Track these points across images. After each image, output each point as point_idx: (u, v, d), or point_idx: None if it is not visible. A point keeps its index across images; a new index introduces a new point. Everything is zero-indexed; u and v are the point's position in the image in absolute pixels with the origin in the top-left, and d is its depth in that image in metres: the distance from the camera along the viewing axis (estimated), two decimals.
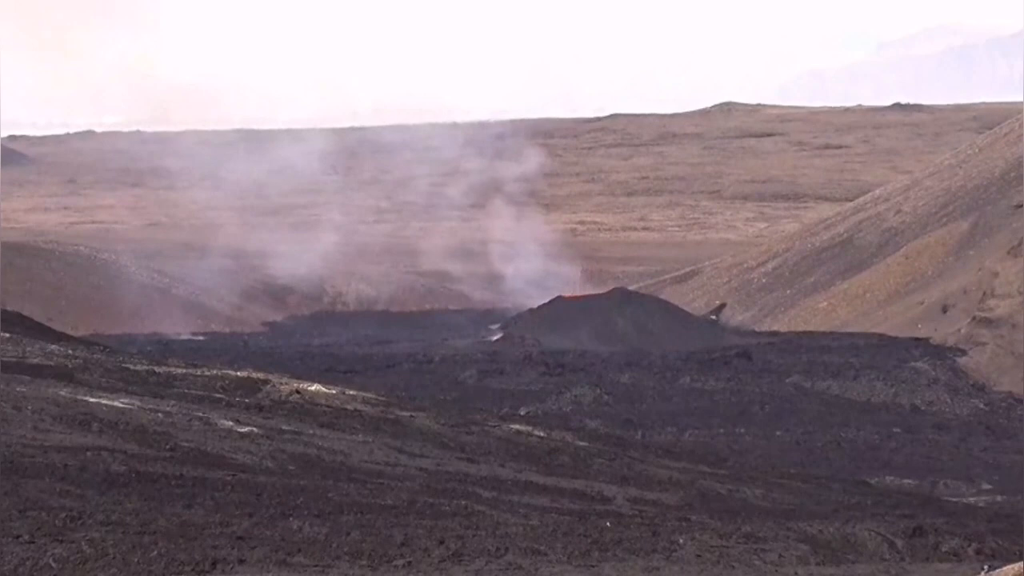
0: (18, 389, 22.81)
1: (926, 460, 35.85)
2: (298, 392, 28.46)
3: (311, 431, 23.98)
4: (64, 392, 23.51)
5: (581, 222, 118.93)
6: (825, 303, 62.81)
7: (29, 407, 21.24)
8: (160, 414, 22.81)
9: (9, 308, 44.08)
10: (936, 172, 77.72)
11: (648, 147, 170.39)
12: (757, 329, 62.51)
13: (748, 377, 46.99)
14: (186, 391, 27.09)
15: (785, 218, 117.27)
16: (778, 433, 38.67)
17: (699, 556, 16.10)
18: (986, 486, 32.77)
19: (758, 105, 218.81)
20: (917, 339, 53.24)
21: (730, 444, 37.11)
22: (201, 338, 61.13)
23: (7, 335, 32.34)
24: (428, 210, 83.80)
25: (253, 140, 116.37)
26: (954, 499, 29.73)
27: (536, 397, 42.95)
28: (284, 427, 23.88)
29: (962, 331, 52.05)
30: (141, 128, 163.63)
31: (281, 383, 29.31)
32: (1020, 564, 10.75)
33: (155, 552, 13.52)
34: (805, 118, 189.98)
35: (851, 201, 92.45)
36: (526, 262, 78.39)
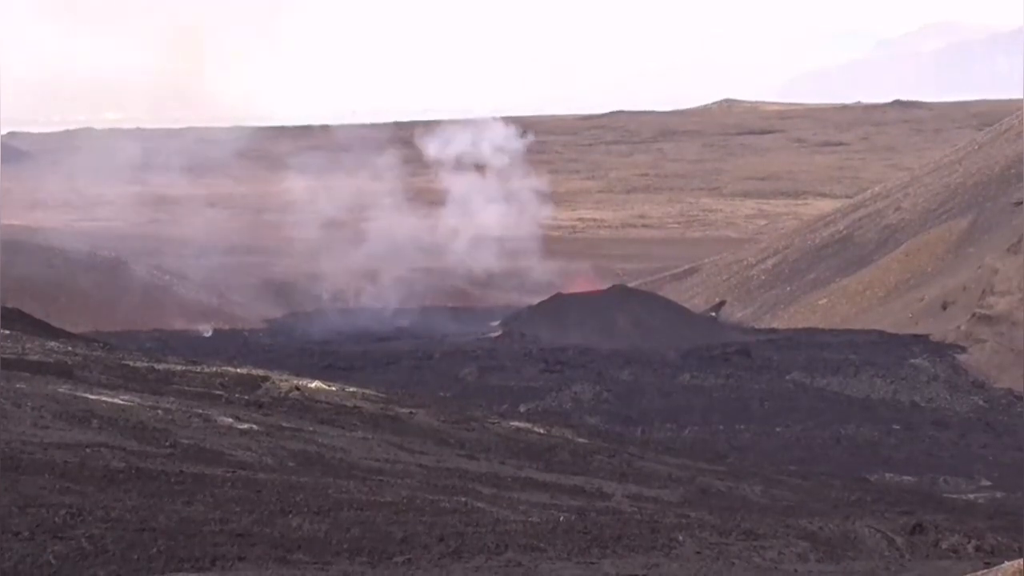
0: (18, 386, 22.79)
1: (926, 457, 35.87)
2: (298, 389, 28.47)
3: (311, 428, 23.97)
4: (64, 389, 23.49)
5: (581, 219, 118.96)
6: (825, 300, 62.79)
7: (29, 404, 21.23)
8: (160, 411, 22.79)
9: (9, 305, 44.07)
10: (936, 169, 77.72)
11: (648, 144, 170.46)
12: (757, 326, 62.51)
13: (748, 374, 47.00)
14: (186, 388, 27.08)
15: (785, 215, 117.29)
16: (778, 430, 38.68)
17: (698, 553, 16.10)
18: (986, 483, 32.80)
19: (758, 102, 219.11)
20: (917, 336, 53.27)
21: (729, 441, 37.13)
22: (207, 334, 61.12)
23: (7, 332, 32.34)
24: (427, 206, 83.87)
25: (251, 138, 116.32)
26: (954, 496, 29.75)
27: (536, 394, 42.95)
28: (284, 424, 23.87)
29: (962, 328, 52.07)
30: (141, 125, 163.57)
31: (281, 380, 29.32)
32: (1020, 561, 10.74)
33: (155, 549, 13.51)
34: (805, 115, 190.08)
35: (851, 198, 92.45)
36: (525, 258, 78.35)
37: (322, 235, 79.77)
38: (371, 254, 75.54)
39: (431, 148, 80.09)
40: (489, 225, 78.39)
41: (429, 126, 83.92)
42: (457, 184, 79.06)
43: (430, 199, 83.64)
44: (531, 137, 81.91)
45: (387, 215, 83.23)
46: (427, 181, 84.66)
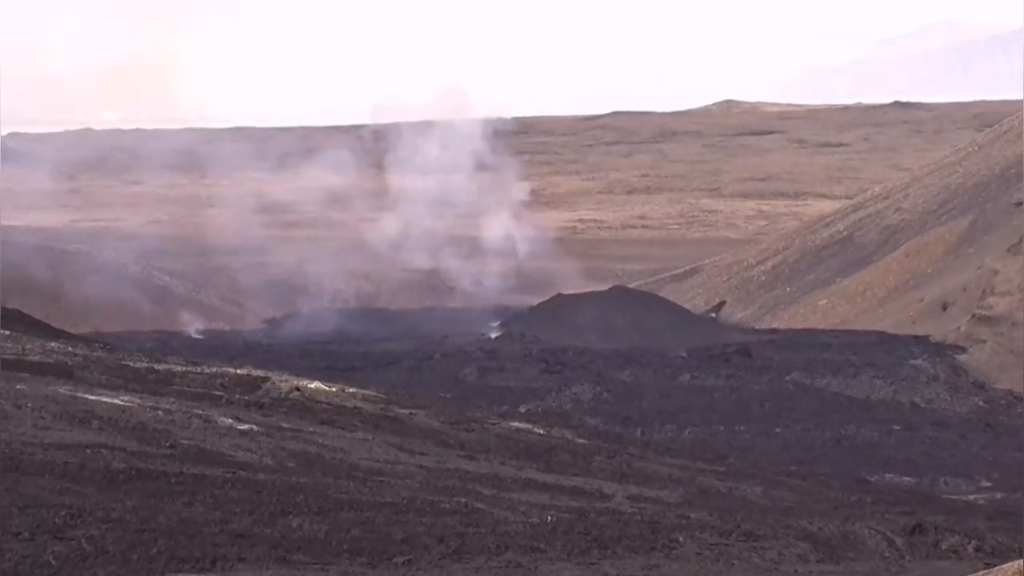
0: (18, 387, 22.79)
1: (926, 458, 35.87)
2: (298, 389, 28.48)
3: (311, 428, 23.98)
4: (64, 389, 23.49)
5: (581, 220, 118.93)
6: (825, 301, 62.81)
7: (29, 404, 21.23)
8: (160, 411, 22.80)
9: (9, 306, 44.07)
10: (936, 170, 77.74)
11: (648, 145, 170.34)
12: (757, 327, 62.54)
13: (748, 375, 46.99)
14: (186, 388, 27.09)
15: (785, 216, 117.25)
16: (778, 430, 38.68)
17: (699, 554, 16.10)
18: (986, 483, 32.81)
19: (758, 102, 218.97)
20: (917, 337, 53.29)
21: (730, 441, 37.12)
22: (200, 336, 61.17)
23: (7, 332, 32.35)
24: (428, 207, 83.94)
25: (251, 138, 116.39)
26: (954, 496, 29.77)
27: (536, 394, 42.93)
28: (284, 424, 23.88)
29: (962, 329, 52.08)
30: (141, 126, 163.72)
31: (281, 380, 29.33)
32: (1020, 562, 10.75)
33: (155, 550, 13.52)
34: (805, 115, 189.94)
35: (851, 199, 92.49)
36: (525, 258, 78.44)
37: (310, 236, 79.96)
38: (348, 255, 75.77)
39: (414, 148, 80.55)
40: (477, 227, 78.65)
41: (416, 127, 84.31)
42: (445, 186, 79.42)
43: (416, 199, 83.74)
44: (506, 136, 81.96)
45: (374, 216, 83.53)
46: (416, 181, 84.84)
